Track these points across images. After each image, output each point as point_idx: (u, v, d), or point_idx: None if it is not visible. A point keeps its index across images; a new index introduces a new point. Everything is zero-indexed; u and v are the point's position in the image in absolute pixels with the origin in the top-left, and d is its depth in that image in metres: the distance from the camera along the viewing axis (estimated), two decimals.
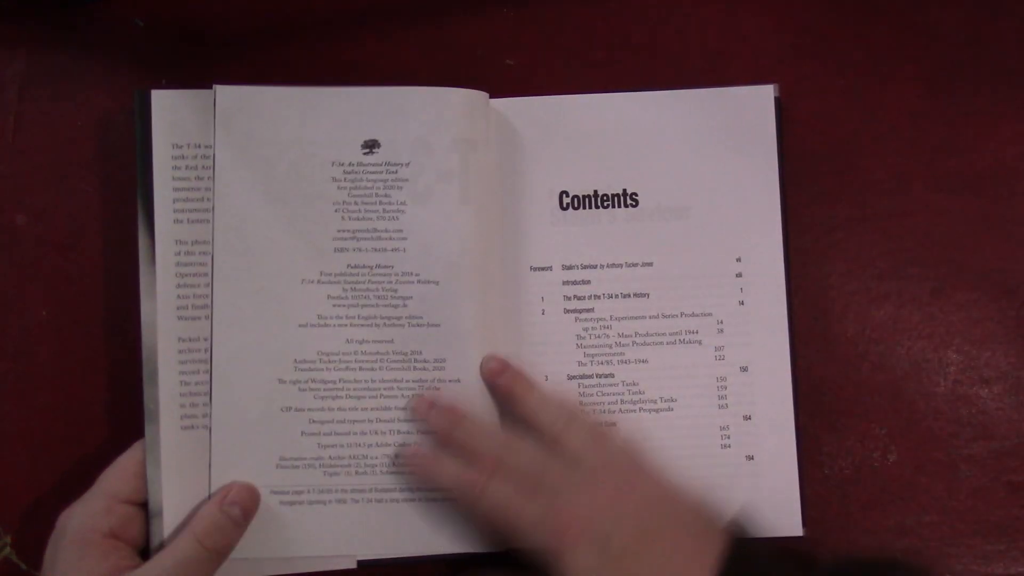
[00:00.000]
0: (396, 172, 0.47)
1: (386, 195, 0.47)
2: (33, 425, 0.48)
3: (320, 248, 0.46)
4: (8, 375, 0.48)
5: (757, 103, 0.49)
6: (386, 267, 0.46)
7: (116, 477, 0.44)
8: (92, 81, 0.50)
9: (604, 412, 0.48)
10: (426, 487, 0.45)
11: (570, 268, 0.49)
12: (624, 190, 0.49)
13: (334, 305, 0.46)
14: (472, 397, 0.46)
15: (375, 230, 0.47)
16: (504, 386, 0.46)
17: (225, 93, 0.47)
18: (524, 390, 0.46)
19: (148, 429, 0.45)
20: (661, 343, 0.48)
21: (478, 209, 0.47)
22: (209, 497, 0.45)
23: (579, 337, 0.48)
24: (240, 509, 0.44)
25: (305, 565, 0.46)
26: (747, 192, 0.49)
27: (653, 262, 0.49)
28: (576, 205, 0.49)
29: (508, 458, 0.43)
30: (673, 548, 0.40)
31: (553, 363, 0.48)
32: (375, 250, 0.46)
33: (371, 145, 0.47)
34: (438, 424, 0.45)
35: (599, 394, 0.48)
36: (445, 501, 0.45)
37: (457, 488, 0.44)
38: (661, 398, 0.48)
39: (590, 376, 0.48)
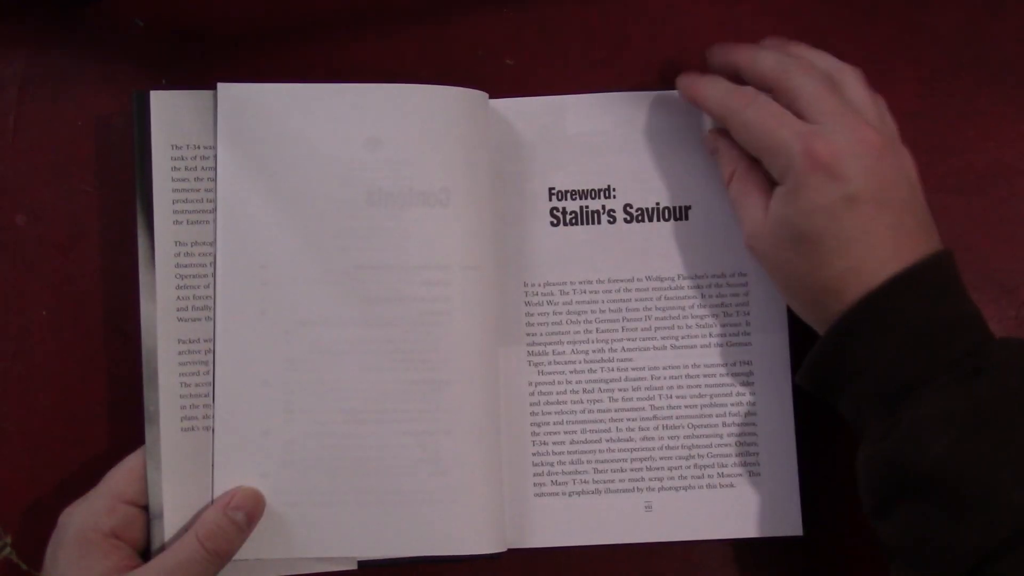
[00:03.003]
0: (398, 170, 0.47)
1: (388, 193, 0.47)
2: (33, 425, 0.48)
3: (322, 247, 0.46)
4: (8, 375, 0.48)
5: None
6: (388, 267, 0.46)
7: (121, 477, 0.44)
8: (92, 81, 0.50)
9: (607, 394, 0.48)
10: (695, 103, 0.46)
11: (568, 264, 0.49)
12: (624, 190, 0.49)
13: (336, 304, 0.46)
14: (471, 399, 0.46)
15: (376, 229, 0.47)
16: (700, 82, 0.46)
17: (227, 91, 0.47)
18: (742, 56, 0.45)
19: (148, 431, 0.45)
20: (664, 346, 0.48)
21: (478, 209, 0.47)
22: (212, 501, 0.45)
23: (576, 335, 0.48)
24: (244, 514, 0.44)
25: (306, 566, 0.46)
26: None
27: (653, 262, 0.49)
28: (575, 207, 0.49)
29: (794, 72, 0.42)
30: (897, 222, 0.40)
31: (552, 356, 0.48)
32: (377, 249, 0.46)
33: (374, 143, 0.47)
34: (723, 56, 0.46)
35: (599, 383, 0.48)
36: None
37: (724, 102, 0.44)
38: (661, 399, 0.48)
39: (591, 371, 0.48)
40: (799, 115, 0.42)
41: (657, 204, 0.49)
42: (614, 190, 0.49)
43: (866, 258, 0.40)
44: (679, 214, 0.49)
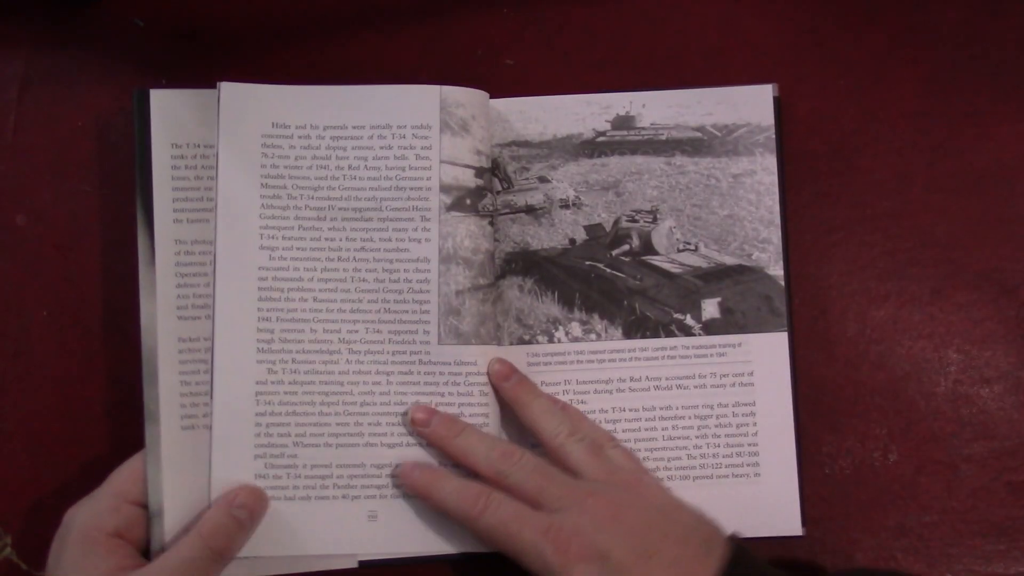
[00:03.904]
0: (403, 170, 0.47)
1: (390, 192, 0.47)
2: (33, 425, 0.48)
3: (324, 246, 0.46)
4: (8, 375, 0.48)
5: (757, 103, 0.49)
6: (389, 266, 0.46)
7: (126, 477, 0.44)
8: (92, 81, 0.50)
9: (606, 418, 0.48)
10: (425, 503, 0.45)
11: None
12: (621, 189, 0.49)
13: (338, 304, 0.46)
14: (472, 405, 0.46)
15: (377, 228, 0.47)
16: (510, 391, 0.46)
17: (229, 90, 0.47)
18: (529, 397, 0.46)
19: (148, 429, 0.45)
20: (665, 346, 0.48)
21: (479, 208, 0.47)
22: (210, 499, 0.45)
23: (576, 335, 0.49)
24: (247, 512, 0.44)
25: (306, 564, 0.46)
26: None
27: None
28: (575, 204, 0.49)
29: (508, 471, 0.43)
30: (672, 562, 0.40)
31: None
32: (378, 249, 0.46)
33: (374, 142, 0.47)
34: (438, 432, 0.45)
35: (597, 384, 0.48)
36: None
37: (457, 508, 0.43)
38: (661, 399, 0.48)
39: (590, 371, 0.48)
40: (531, 504, 0.42)
41: (657, 206, 0.49)
42: (612, 188, 0.49)
43: None
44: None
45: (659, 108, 0.49)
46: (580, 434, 0.45)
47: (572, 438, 0.44)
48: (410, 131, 0.47)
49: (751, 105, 0.49)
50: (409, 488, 0.45)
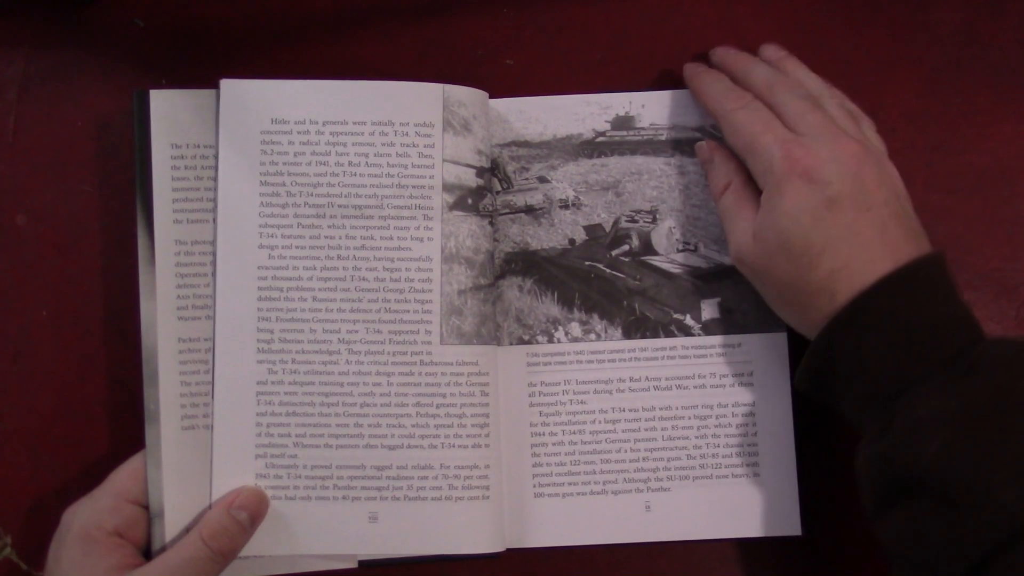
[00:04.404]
0: (405, 167, 0.47)
1: (391, 190, 0.47)
2: (33, 425, 0.48)
3: (323, 244, 0.46)
4: (8, 375, 0.48)
5: None
6: (390, 265, 0.46)
7: (125, 477, 0.44)
8: (92, 81, 0.50)
9: (606, 418, 0.48)
10: (690, 88, 0.48)
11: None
12: (621, 189, 0.49)
13: (338, 304, 0.46)
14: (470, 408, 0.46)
15: (378, 226, 0.47)
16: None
17: (230, 87, 0.47)
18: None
19: (148, 430, 0.45)
20: (664, 347, 0.48)
21: (480, 208, 0.47)
22: (211, 500, 0.45)
23: (569, 326, 0.49)
24: (248, 514, 0.44)
25: (306, 565, 0.46)
26: None
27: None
28: (575, 205, 0.49)
29: (779, 89, 0.44)
30: (882, 228, 0.40)
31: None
32: (379, 247, 0.46)
33: (375, 139, 0.47)
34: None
35: (598, 384, 0.48)
36: (456, 501, 0.45)
37: (717, 99, 0.45)
38: (661, 399, 0.48)
39: (590, 371, 0.48)
40: (787, 128, 0.43)
41: (656, 206, 0.49)
42: (611, 188, 0.49)
43: (854, 258, 0.40)
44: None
45: (658, 108, 0.49)
46: (839, 99, 0.45)
47: (832, 100, 0.45)
48: (413, 128, 0.47)
49: None
50: (688, 78, 0.48)
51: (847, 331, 0.40)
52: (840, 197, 0.40)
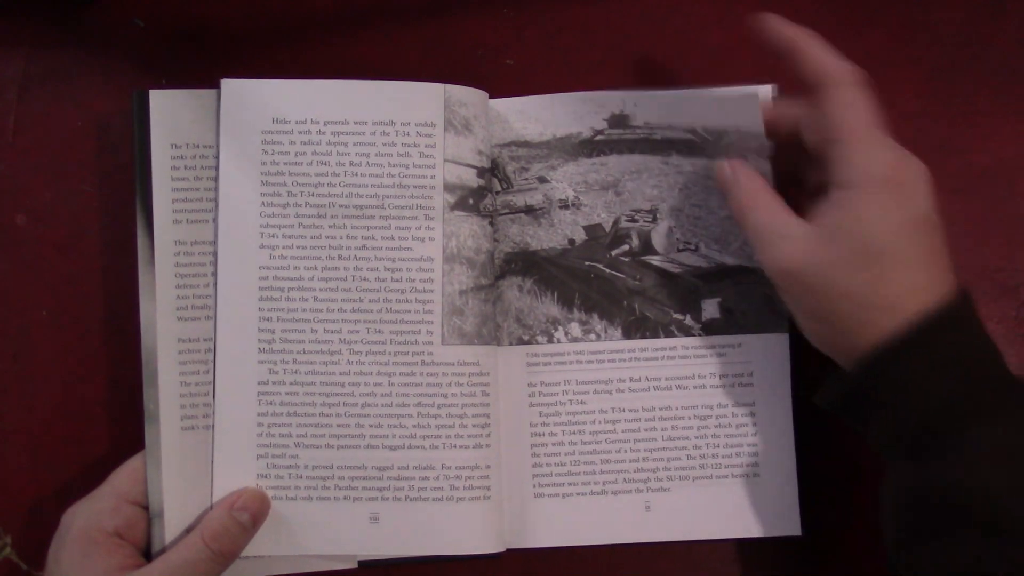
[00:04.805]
0: (406, 167, 0.47)
1: (392, 190, 0.47)
2: (33, 425, 0.48)
3: (324, 244, 0.46)
4: (8, 375, 0.48)
5: (745, 108, 0.48)
6: (392, 265, 0.46)
7: (125, 477, 0.44)
8: (92, 81, 0.50)
9: (606, 418, 0.48)
10: (789, 47, 0.43)
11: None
12: (621, 188, 0.49)
13: (339, 304, 0.46)
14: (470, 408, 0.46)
15: (379, 226, 0.47)
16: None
17: (231, 87, 0.47)
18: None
19: (148, 430, 0.45)
20: (664, 347, 0.48)
21: (480, 208, 0.47)
22: (212, 500, 0.45)
23: (575, 335, 0.49)
24: (250, 515, 0.44)
25: (307, 565, 0.46)
26: None
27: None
28: (575, 205, 0.49)
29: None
30: (943, 247, 0.40)
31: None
32: (380, 247, 0.46)
33: (376, 138, 0.47)
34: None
35: (598, 384, 0.48)
36: (457, 502, 0.45)
37: (831, 65, 0.41)
38: (660, 399, 0.48)
39: (590, 371, 0.48)
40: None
41: (656, 205, 0.49)
42: (610, 188, 0.49)
43: (924, 279, 0.39)
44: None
45: (649, 108, 0.49)
46: None
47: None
48: (414, 128, 0.47)
49: (739, 111, 0.47)
50: (769, 31, 0.44)
51: (904, 355, 0.38)
52: (928, 216, 0.40)
